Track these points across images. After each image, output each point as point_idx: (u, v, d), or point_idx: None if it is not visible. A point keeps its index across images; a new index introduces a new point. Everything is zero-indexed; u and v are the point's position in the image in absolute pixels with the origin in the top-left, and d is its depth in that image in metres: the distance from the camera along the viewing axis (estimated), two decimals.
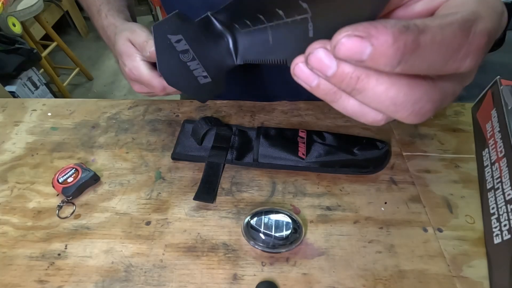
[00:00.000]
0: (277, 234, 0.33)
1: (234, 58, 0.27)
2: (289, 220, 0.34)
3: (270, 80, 0.53)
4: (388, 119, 0.16)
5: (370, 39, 0.12)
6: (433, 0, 0.16)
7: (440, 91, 0.15)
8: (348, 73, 0.14)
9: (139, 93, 0.39)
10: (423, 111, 0.14)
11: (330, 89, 0.16)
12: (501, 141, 0.37)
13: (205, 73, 0.29)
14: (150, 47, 0.33)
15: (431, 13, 0.17)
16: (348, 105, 0.16)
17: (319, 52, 0.14)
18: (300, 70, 0.16)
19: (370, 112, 0.16)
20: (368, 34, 0.12)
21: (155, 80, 0.35)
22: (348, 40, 0.12)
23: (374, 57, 0.12)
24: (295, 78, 0.16)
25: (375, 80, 0.14)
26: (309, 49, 0.14)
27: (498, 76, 0.41)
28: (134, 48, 0.36)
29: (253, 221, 0.34)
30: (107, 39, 0.41)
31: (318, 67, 0.14)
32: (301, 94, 0.54)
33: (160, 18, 2.09)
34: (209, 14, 0.26)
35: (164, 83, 0.34)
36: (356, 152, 0.42)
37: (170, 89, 0.35)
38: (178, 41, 0.27)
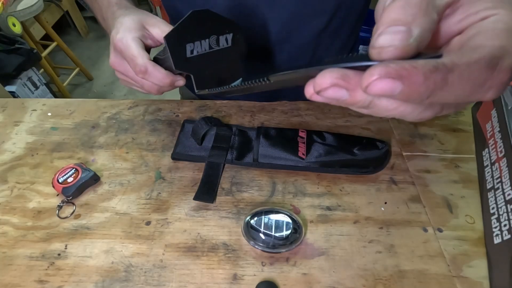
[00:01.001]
0: (277, 234, 0.33)
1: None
2: (289, 220, 0.34)
3: None
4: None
5: (401, 80, 0.13)
6: (467, 17, 0.17)
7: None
8: (361, 100, 0.15)
9: (113, 67, 0.36)
10: (426, 116, 0.16)
11: (365, 99, 0.16)
12: (501, 141, 0.37)
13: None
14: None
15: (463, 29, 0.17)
16: (381, 106, 0.17)
17: (328, 92, 0.15)
18: (327, 93, 0.16)
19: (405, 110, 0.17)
20: (399, 76, 0.13)
21: (140, 58, 0.32)
22: (380, 82, 0.13)
23: (405, 93, 0.13)
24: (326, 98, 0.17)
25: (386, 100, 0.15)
26: (319, 81, 0.15)
27: None
28: (140, 27, 0.34)
29: (253, 221, 0.34)
30: (106, 9, 0.39)
31: (331, 97, 0.15)
32: (301, 94, 0.54)
33: (160, 17, 2.09)
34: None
35: (149, 65, 0.32)
36: (356, 152, 0.42)
37: (152, 72, 0.32)
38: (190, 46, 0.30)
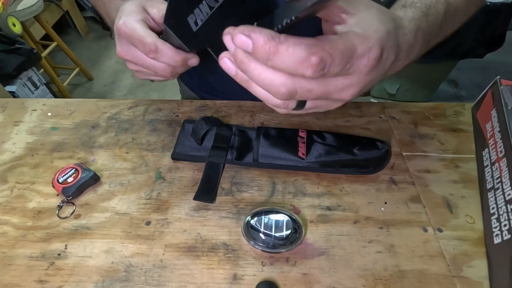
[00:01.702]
0: (277, 234, 0.33)
1: None
2: (289, 220, 0.34)
3: None
4: (285, 106, 0.24)
5: (251, 38, 0.19)
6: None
7: (298, 81, 0.21)
8: (239, 56, 0.21)
9: (121, 57, 0.34)
10: (280, 92, 0.21)
11: (244, 77, 0.23)
12: (501, 141, 0.37)
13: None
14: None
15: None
16: (257, 90, 0.23)
17: (226, 39, 0.21)
18: (224, 62, 0.23)
19: (272, 97, 0.23)
20: (249, 35, 0.19)
21: (149, 37, 0.30)
22: (240, 36, 0.19)
23: (254, 51, 0.19)
24: (222, 67, 0.23)
25: (253, 65, 0.21)
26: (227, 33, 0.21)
27: (498, 76, 0.41)
28: (141, 10, 0.33)
29: (253, 221, 0.34)
30: (110, 3, 0.38)
31: (228, 45, 0.21)
32: None
33: None
34: None
35: (158, 42, 0.30)
36: (356, 152, 0.42)
37: (163, 50, 0.31)
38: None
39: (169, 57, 0.31)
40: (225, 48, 0.26)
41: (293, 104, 0.24)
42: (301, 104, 0.24)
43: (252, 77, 0.21)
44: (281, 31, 0.20)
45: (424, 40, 0.28)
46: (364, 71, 0.22)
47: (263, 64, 0.20)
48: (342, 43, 0.20)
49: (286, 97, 0.21)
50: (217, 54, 0.27)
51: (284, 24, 0.20)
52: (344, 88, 0.22)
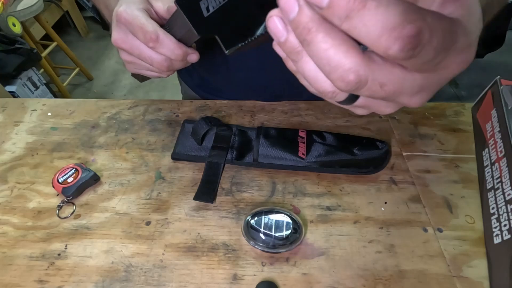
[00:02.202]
0: (277, 234, 0.33)
1: None
2: (289, 220, 0.34)
3: (272, 80, 0.53)
4: (334, 95, 0.18)
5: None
6: None
7: (372, 70, 0.16)
8: (304, 21, 0.15)
9: (117, 44, 0.32)
10: (347, 79, 0.15)
11: (295, 47, 0.17)
12: (501, 141, 0.37)
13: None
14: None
15: None
16: (306, 67, 0.17)
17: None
18: (273, 22, 0.17)
19: (323, 80, 0.17)
20: None
21: (150, 25, 0.29)
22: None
23: (331, 6, 0.13)
24: (268, 30, 0.17)
25: (322, 37, 0.15)
26: None
27: (498, 76, 0.41)
28: (144, 0, 0.32)
29: (253, 221, 0.34)
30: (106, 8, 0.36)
31: (286, 7, 0.15)
32: (302, 94, 0.54)
33: None
34: None
35: (160, 31, 0.29)
36: (356, 152, 0.42)
37: (164, 40, 0.29)
38: None
39: (169, 48, 0.30)
40: (235, 39, 0.25)
41: (343, 96, 0.19)
42: (353, 98, 0.20)
43: (315, 52, 0.16)
44: None
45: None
46: (452, 72, 0.17)
47: (338, 23, 0.14)
48: (447, 22, 0.15)
49: (351, 87, 0.16)
50: (225, 44, 0.26)
51: None
52: (420, 91, 0.18)
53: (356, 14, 0.13)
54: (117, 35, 0.31)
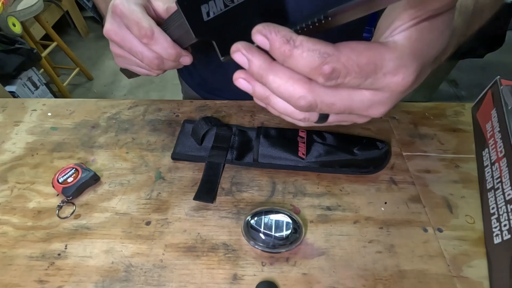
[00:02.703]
0: (277, 234, 0.33)
1: None
2: (289, 220, 0.34)
3: None
4: (306, 119, 0.23)
5: (268, 40, 0.18)
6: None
7: (318, 95, 0.20)
8: (255, 69, 0.20)
9: (109, 36, 0.31)
10: (300, 105, 0.20)
11: (262, 94, 0.22)
12: (501, 141, 0.37)
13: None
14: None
15: None
16: (276, 105, 0.22)
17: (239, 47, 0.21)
18: (239, 83, 0.23)
19: (292, 110, 0.22)
20: (266, 35, 0.18)
21: (146, 21, 0.29)
22: (256, 35, 0.19)
23: (271, 51, 0.18)
24: (240, 87, 0.23)
25: (272, 78, 0.20)
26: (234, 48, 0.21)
27: (498, 76, 0.41)
28: None
29: (253, 221, 0.34)
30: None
31: (240, 61, 0.21)
32: None
33: None
34: None
35: (156, 28, 0.29)
36: (356, 152, 0.42)
37: (159, 38, 0.29)
38: None
39: (163, 47, 0.29)
40: (230, 45, 0.25)
41: (314, 117, 0.23)
42: (323, 117, 0.23)
43: (271, 90, 0.20)
44: (303, 31, 0.18)
45: (457, 42, 0.26)
46: (397, 89, 0.20)
47: (281, 65, 0.19)
48: (365, 56, 0.18)
49: (306, 109, 0.20)
50: (221, 51, 0.27)
51: (306, 24, 0.18)
52: (372, 105, 0.21)
53: (288, 59, 0.18)
54: (110, 26, 0.30)
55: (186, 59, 0.32)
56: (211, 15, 0.27)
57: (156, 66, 0.31)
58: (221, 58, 0.28)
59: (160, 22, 0.32)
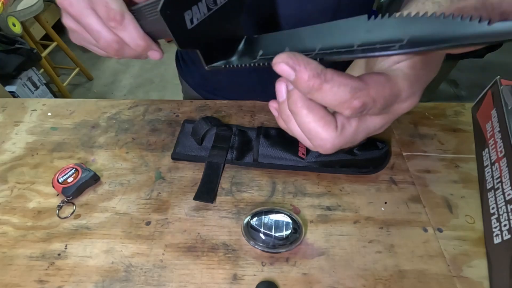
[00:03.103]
0: (277, 234, 0.33)
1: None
2: (289, 220, 0.34)
3: (272, 80, 0.53)
4: (334, 145, 0.22)
5: (295, 71, 0.17)
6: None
7: (344, 137, 0.21)
8: (294, 97, 0.20)
9: (64, 7, 0.27)
10: (324, 148, 0.22)
11: (287, 112, 0.22)
12: (501, 141, 0.37)
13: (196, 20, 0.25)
14: None
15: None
16: (294, 129, 0.23)
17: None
18: (280, 85, 0.22)
19: (306, 140, 0.23)
20: (294, 67, 0.17)
21: (117, 4, 0.25)
22: (281, 65, 0.18)
23: (296, 82, 0.18)
24: (276, 86, 0.22)
25: (305, 113, 0.20)
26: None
27: (498, 76, 0.41)
28: None
29: (253, 221, 0.34)
30: None
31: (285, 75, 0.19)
32: None
33: None
34: None
35: (127, 14, 0.25)
36: (356, 152, 0.42)
37: (128, 25, 0.26)
38: None
39: (131, 36, 0.26)
40: (216, 53, 0.25)
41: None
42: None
43: (299, 122, 0.21)
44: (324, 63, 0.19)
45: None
46: (402, 112, 0.22)
47: (305, 94, 0.19)
48: (389, 88, 0.20)
49: (328, 152, 0.22)
50: (206, 59, 0.26)
51: (330, 58, 0.19)
52: (382, 127, 0.23)
53: (315, 92, 0.18)
54: None
55: (156, 54, 0.29)
56: (195, 22, 0.25)
57: (113, 51, 0.27)
58: (206, 67, 0.26)
59: (128, 4, 0.27)
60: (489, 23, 0.14)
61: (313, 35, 0.21)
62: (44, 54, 1.62)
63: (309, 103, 0.20)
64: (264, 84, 0.53)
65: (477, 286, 0.32)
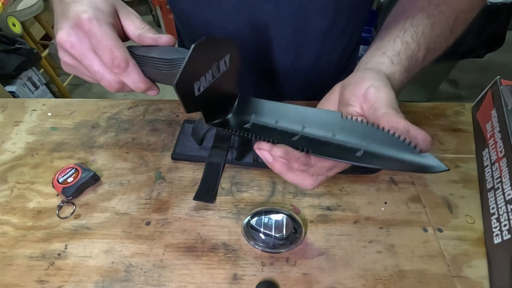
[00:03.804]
0: (277, 234, 0.33)
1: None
2: (289, 220, 0.34)
3: (272, 81, 0.53)
4: (313, 186, 0.29)
5: (288, 161, 0.25)
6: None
7: (319, 182, 0.29)
8: (276, 168, 0.27)
9: (64, 47, 0.27)
10: (310, 188, 0.29)
11: (281, 167, 0.27)
12: (501, 141, 0.37)
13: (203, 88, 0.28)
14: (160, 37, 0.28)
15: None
16: (289, 178, 0.28)
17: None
18: (261, 153, 0.27)
19: (301, 184, 0.28)
20: (286, 158, 0.24)
21: (120, 51, 0.26)
22: (260, 151, 0.26)
23: (272, 165, 0.27)
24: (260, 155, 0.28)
25: (290, 175, 0.28)
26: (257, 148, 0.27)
27: (498, 76, 0.41)
28: (113, 12, 0.27)
29: (253, 221, 0.34)
30: None
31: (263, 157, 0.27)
32: (302, 94, 0.54)
33: (160, 18, 2.09)
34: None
35: (131, 61, 0.26)
36: None
37: (131, 72, 0.27)
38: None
39: (134, 81, 0.27)
40: (215, 112, 0.29)
41: None
42: None
43: (287, 179, 0.28)
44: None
45: (408, 80, 0.32)
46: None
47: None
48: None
49: (313, 188, 0.29)
50: (206, 119, 0.29)
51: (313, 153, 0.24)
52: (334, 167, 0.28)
53: (285, 173, 0.27)
54: (67, 37, 0.26)
55: (153, 92, 0.31)
56: (201, 90, 0.27)
57: (114, 90, 0.29)
58: (206, 125, 0.29)
59: (124, 40, 0.29)
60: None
61: (298, 116, 0.27)
62: (44, 54, 1.62)
63: (289, 169, 0.26)
64: (263, 84, 0.54)
65: (477, 286, 0.32)
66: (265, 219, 0.34)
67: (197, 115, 0.49)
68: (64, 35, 0.26)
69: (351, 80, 0.28)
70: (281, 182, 0.41)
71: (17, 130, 0.48)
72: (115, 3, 0.28)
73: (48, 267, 0.34)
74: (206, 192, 0.39)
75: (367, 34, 1.63)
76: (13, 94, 1.40)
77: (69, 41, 0.26)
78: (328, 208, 0.38)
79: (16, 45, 1.38)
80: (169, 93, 0.43)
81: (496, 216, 0.34)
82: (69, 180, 0.39)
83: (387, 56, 0.31)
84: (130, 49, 0.28)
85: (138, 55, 0.28)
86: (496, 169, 0.36)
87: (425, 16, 0.33)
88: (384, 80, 0.27)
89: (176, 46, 0.30)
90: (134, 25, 0.29)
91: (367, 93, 0.26)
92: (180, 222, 0.37)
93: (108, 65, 0.26)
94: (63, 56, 0.28)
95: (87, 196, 0.40)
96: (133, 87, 0.28)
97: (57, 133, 0.48)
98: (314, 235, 0.36)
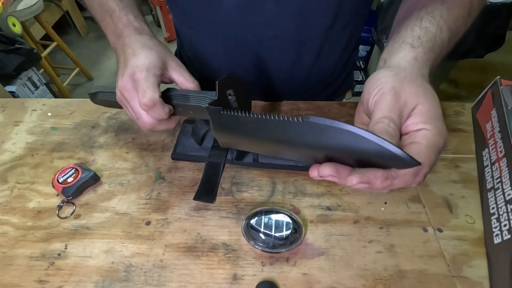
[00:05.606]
0: (277, 234, 0.33)
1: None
2: (289, 220, 0.34)
3: (272, 80, 0.53)
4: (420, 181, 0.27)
5: (368, 184, 0.24)
6: (410, 126, 0.26)
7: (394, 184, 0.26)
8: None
9: (121, 90, 0.35)
10: (384, 191, 0.28)
11: (365, 188, 0.26)
12: (501, 141, 0.37)
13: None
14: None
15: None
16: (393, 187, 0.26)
17: (327, 177, 0.26)
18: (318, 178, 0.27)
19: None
20: (367, 182, 0.24)
21: (151, 92, 0.32)
22: (358, 185, 0.24)
23: (371, 189, 0.25)
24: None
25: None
26: (322, 171, 0.26)
27: (498, 76, 0.41)
28: (162, 66, 0.35)
29: (253, 221, 0.34)
30: (117, 36, 0.39)
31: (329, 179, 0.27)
32: (302, 94, 0.54)
33: (160, 18, 2.09)
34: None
35: (157, 101, 0.32)
36: None
37: (157, 108, 0.33)
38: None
39: (159, 115, 0.33)
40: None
41: None
42: None
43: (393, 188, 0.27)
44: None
45: (437, 58, 0.32)
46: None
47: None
48: (434, 154, 0.25)
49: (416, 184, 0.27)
50: (223, 144, 0.34)
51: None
52: (426, 174, 0.27)
53: (391, 186, 0.25)
54: (125, 83, 0.34)
55: (172, 126, 0.37)
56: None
57: (147, 129, 0.35)
58: (222, 145, 0.35)
59: (175, 84, 0.38)
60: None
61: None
62: (44, 54, 1.62)
63: (374, 188, 0.25)
64: (263, 84, 0.54)
65: (477, 286, 0.32)
66: (265, 219, 0.34)
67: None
68: (122, 82, 0.34)
69: (364, 91, 0.29)
70: (281, 182, 0.41)
71: (17, 130, 0.48)
72: (164, 58, 0.36)
73: (48, 267, 0.34)
74: (206, 192, 0.39)
75: (367, 34, 1.63)
76: (13, 94, 1.40)
77: (125, 86, 0.34)
78: (328, 208, 0.38)
79: (16, 45, 1.38)
80: None
81: (496, 216, 0.34)
82: (69, 180, 0.39)
83: (407, 43, 0.31)
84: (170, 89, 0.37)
85: (178, 102, 0.36)
86: (496, 169, 0.36)
87: (439, 2, 0.33)
88: (390, 84, 0.27)
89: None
90: (184, 78, 0.37)
91: (372, 102, 0.28)
92: (180, 222, 0.37)
93: (140, 102, 0.32)
94: (120, 99, 0.36)
95: (87, 196, 0.40)
96: (159, 118, 0.34)
97: (57, 133, 0.48)
98: (314, 235, 0.36)
